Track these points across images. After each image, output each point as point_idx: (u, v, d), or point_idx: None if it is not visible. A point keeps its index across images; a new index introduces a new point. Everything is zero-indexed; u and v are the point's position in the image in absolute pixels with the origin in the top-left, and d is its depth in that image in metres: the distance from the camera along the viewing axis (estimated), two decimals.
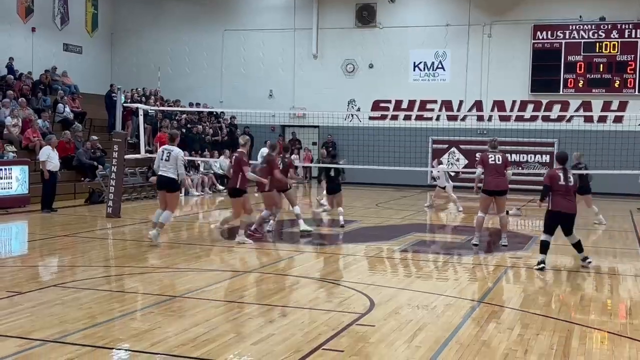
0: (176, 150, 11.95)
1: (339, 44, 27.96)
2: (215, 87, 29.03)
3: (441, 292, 8.74)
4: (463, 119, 26.29)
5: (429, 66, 27.18)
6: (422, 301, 8.24)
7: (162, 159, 11.96)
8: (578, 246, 10.63)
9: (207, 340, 6.39)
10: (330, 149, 19.59)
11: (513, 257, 11.67)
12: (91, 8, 28.85)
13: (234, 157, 12.37)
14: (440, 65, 27.07)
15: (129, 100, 22.12)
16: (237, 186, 12.06)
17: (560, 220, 10.35)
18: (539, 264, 10.26)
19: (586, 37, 25.25)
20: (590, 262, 10.53)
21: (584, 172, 15.31)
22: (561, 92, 25.46)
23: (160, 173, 12.01)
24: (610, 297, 8.89)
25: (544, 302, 8.35)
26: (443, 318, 7.53)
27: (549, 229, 10.40)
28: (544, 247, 10.33)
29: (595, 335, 7.01)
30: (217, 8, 29.14)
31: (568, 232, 10.52)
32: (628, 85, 24.82)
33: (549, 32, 25.64)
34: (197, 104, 26.98)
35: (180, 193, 12.31)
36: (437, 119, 26.12)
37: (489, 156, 12.36)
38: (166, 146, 12.25)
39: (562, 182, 10.13)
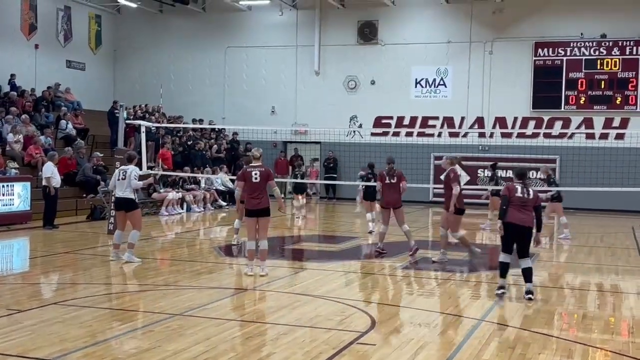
0: (131, 168, 11.98)
1: (341, 60, 28.05)
2: (218, 104, 29.10)
3: (443, 310, 8.72)
4: (465, 136, 26.31)
5: (430, 83, 27.25)
6: (424, 319, 8.21)
7: (118, 179, 12.02)
8: (528, 274, 9.57)
9: (207, 359, 6.37)
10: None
11: (515, 274, 11.62)
12: (95, 25, 29.01)
13: (260, 171, 10.83)
14: (441, 82, 27.14)
15: (131, 117, 22.18)
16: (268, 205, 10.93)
17: (514, 233, 9.55)
18: (498, 289, 9.61)
19: (587, 54, 25.29)
20: (531, 299, 9.39)
21: (556, 188, 16.49)
22: (563, 109, 25.48)
23: (117, 195, 12.05)
24: (612, 315, 8.85)
25: (546, 321, 8.32)
26: (444, 337, 7.50)
27: (505, 246, 9.66)
28: (503, 270, 9.65)
29: (598, 354, 6.98)
30: (219, 25, 29.28)
31: (522, 252, 9.66)
32: (629, 102, 24.84)
33: (550, 49, 25.70)
34: (200, 120, 27.05)
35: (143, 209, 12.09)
36: (439, 135, 26.15)
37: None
38: (122, 166, 12.32)
39: (519, 194, 9.78)
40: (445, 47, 26.78)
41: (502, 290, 9.58)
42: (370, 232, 16.26)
